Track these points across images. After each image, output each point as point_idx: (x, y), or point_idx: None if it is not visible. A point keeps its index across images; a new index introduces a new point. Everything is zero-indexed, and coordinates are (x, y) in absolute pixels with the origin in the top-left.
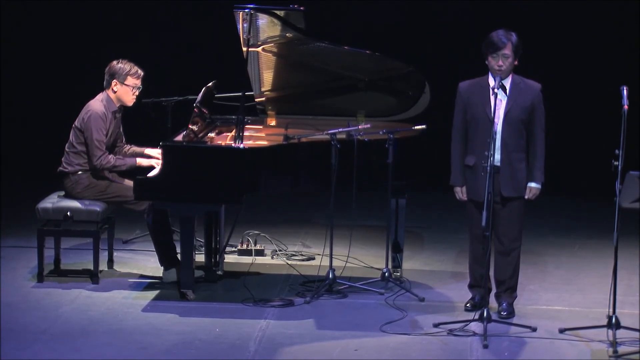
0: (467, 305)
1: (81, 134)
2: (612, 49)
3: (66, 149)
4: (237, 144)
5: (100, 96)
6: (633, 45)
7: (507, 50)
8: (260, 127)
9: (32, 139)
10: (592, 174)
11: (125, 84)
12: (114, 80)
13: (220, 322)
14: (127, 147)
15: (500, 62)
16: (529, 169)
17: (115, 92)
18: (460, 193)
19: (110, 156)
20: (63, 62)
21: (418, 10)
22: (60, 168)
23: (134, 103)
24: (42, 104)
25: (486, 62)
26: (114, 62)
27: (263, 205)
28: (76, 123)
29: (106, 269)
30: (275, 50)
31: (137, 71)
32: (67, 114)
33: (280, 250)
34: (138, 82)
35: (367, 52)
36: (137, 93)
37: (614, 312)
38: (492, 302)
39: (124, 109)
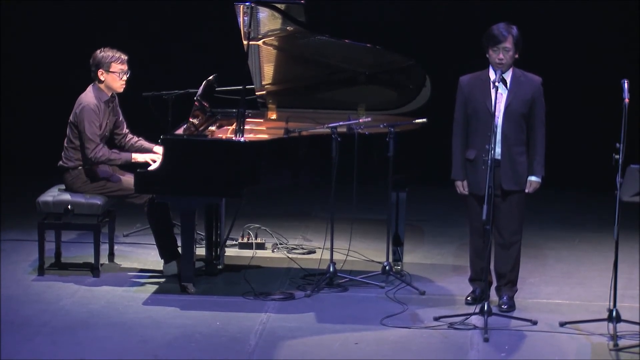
0: (468, 298)
1: (76, 128)
2: (612, 42)
3: (65, 144)
4: (237, 137)
5: (90, 88)
6: (634, 38)
7: (508, 44)
8: (261, 120)
9: (32, 132)
10: (592, 167)
11: (111, 71)
12: (100, 70)
13: (221, 316)
14: (135, 138)
15: (501, 56)
16: (529, 162)
17: (102, 81)
18: (462, 187)
19: (105, 149)
20: (63, 56)
21: (419, 5)
22: (60, 163)
23: (125, 90)
24: (43, 97)
25: (487, 56)
26: (97, 52)
27: (264, 199)
28: (71, 118)
29: (107, 262)
30: (275, 43)
31: (120, 56)
32: (68, 107)
33: (281, 244)
34: (124, 67)
35: (368, 45)
36: (125, 78)
37: (614, 305)
38: (493, 295)
39: (119, 97)
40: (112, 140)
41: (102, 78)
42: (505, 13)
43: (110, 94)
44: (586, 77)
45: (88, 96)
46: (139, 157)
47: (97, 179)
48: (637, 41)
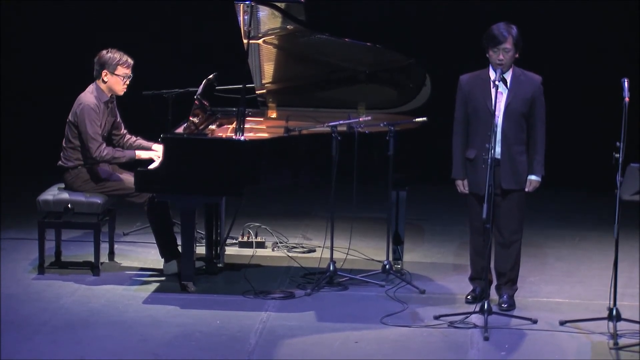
0: (468, 297)
1: (76, 128)
2: (612, 42)
3: (64, 144)
4: (237, 136)
5: (90, 87)
6: (634, 38)
7: (508, 44)
8: (261, 119)
9: (32, 131)
10: (593, 166)
11: (116, 74)
12: (104, 71)
13: (221, 314)
14: (133, 138)
15: (501, 56)
16: (529, 161)
17: (105, 82)
18: (462, 186)
19: (109, 147)
20: (63, 56)
21: (419, 5)
22: (60, 163)
23: (125, 92)
24: (43, 97)
25: (487, 56)
26: (104, 52)
27: (264, 198)
28: (70, 117)
29: (107, 261)
30: (276, 42)
31: (127, 60)
32: (68, 106)
33: (281, 243)
34: (128, 72)
35: (368, 44)
36: (127, 82)
37: (614, 304)
38: (493, 294)
39: (118, 98)
40: (110, 141)
41: (105, 79)
42: (505, 13)
43: (110, 95)
44: (586, 77)
45: (87, 96)
46: (142, 155)
47: (97, 178)
48: (637, 41)
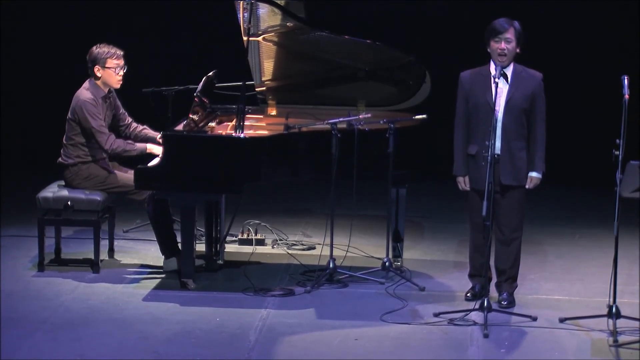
0: (468, 294)
1: (76, 125)
2: (612, 42)
3: (64, 142)
4: (237, 134)
5: (86, 83)
6: (634, 34)
7: (510, 34)
8: (261, 116)
9: (32, 128)
10: (592, 163)
11: (107, 67)
12: (96, 66)
13: (221, 312)
14: (139, 127)
15: (503, 45)
16: (530, 158)
17: (99, 77)
18: (463, 183)
19: (119, 139)
20: (63, 54)
21: (419, 3)
22: (60, 160)
23: (124, 88)
24: (43, 94)
25: (488, 50)
26: (93, 48)
27: (264, 195)
28: (69, 115)
29: (107, 258)
30: (275, 39)
31: (115, 52)
32: (68, 103)
33: (280, 240)
34: (120, 62)
35: (368, 41)
36: (121, 73)
37: (614, 301)
38: (493, 291)
39: (119, 93)
40: (116, 133)
41: (98, 74)
42: (505, 13)
43: (107, 90)
44: (586, 76)
45: (83, 92)
46: (154, 149)
47: (96, 175)
48: (637, 41)
